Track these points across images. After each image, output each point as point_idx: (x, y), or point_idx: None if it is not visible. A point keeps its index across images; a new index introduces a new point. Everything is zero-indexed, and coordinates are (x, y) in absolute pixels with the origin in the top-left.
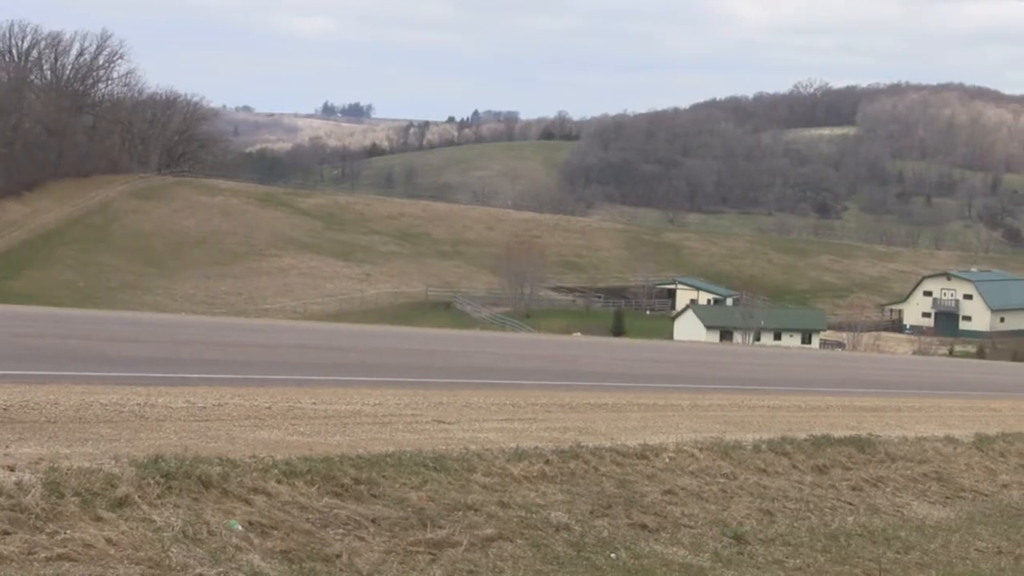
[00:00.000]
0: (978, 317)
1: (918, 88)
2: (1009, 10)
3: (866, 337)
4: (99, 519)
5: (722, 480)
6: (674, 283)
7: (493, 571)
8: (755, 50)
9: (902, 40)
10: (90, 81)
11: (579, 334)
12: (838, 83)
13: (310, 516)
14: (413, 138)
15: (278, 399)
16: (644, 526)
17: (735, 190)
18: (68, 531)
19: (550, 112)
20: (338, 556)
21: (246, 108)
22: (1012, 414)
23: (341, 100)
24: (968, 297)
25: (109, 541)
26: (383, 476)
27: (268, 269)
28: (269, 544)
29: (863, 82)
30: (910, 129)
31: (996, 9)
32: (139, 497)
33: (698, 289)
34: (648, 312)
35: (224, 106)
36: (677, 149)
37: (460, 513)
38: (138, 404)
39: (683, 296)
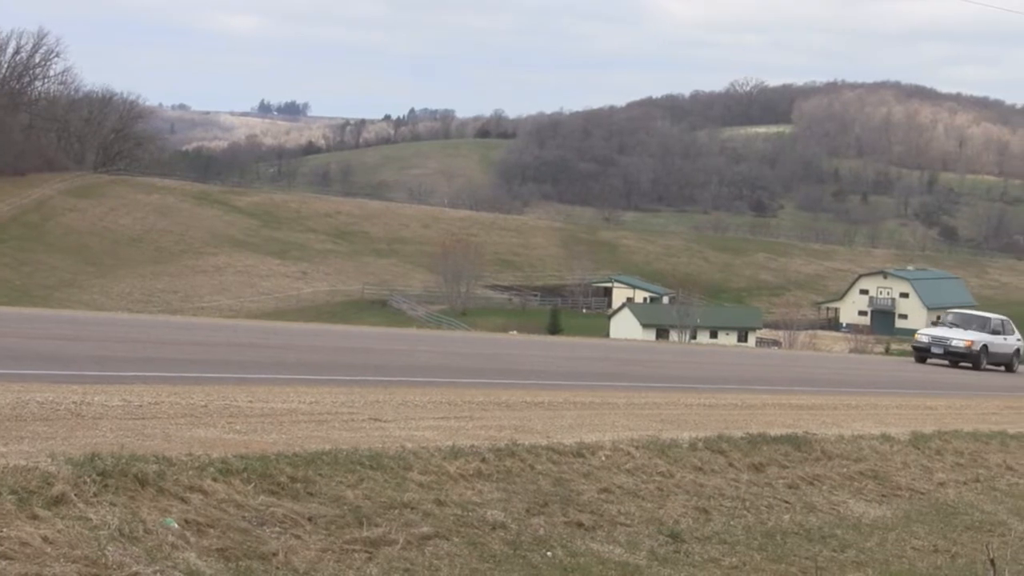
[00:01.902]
0: (914, 315)
1: (854, 86)
2: (944, 8)
3: (802, 335)
4: (35, 517)
5: (658, 478)
6: (610, 281)
7: (429, 569)
8: (690, 48)
9: (837, 38)
10: (26, 79)
11: (515, 332)
12: (774, 81)
13: (246, 514)
14: (349, 136)
15: (214, 397)
16: (580, 524)
17: (671, 188)
18: (4, 529)
19: (486, 110)
20: (274, 554)
21: (182, 106)
22: (948, 412)
23: (277, 98)
24: (904, 295)
25: (45, 539)
26: (319, 474)
27: (204, 267)
28: (205, 542)
29: (799, 80)
30: (846, 127)
31: (931, 7)
32: (75, 495)
33: (634, 287)
34: (584, 310)
35: (160, 104)
36: (613, 147)
37: (396, 511)
38: (74, 402)
39: (619, 294)
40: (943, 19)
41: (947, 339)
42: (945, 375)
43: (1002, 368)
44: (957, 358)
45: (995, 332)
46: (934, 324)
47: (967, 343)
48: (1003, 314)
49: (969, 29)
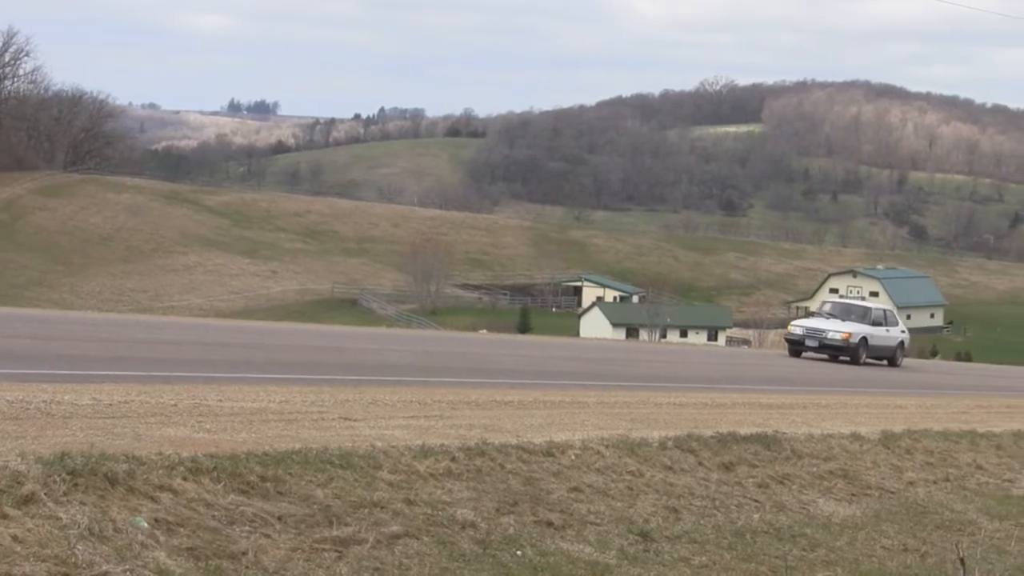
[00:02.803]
0: None
1: (824, 85)
2: (912, 7)
3: (772, 334)
4: (5, 516)
5: (628, 477)
6: (580, 280)
7: (399, 568)
8: (660, 47)
9: (806, 37)
10: None
11: (485, 331)
12: (744, 80)
13: (216, 513)
14: (319, 135)
15: (184, 396)
16: (550, 523)
17: (641, 187)
18: None
19: (456, 109)
20: (244, 553)
21: (152, 105)
22: (918, 411)
23: (247, 97)
24: (874, 294)
25: (15, 538)
26: (289, 473)
27: (174, 266)
28: (175, 541)
29: (769, 79)
30: (816, 126)
31: (899, 6)
32: (45, 494)
33: (604, 286)
34: (554, 309)
35: (130, 103)
36: (583, 146)
37: (366, 510)
38: (44, 401)
39: (589, 293)
40: (912, 18)
41: (823, 331)
42: (913, 375)
43: (884, 362)
44: (834, 351)
45: (876, 323)
46: (810, 315)
47: (844, 335)
48: (974, 313)
49: (938, 28)
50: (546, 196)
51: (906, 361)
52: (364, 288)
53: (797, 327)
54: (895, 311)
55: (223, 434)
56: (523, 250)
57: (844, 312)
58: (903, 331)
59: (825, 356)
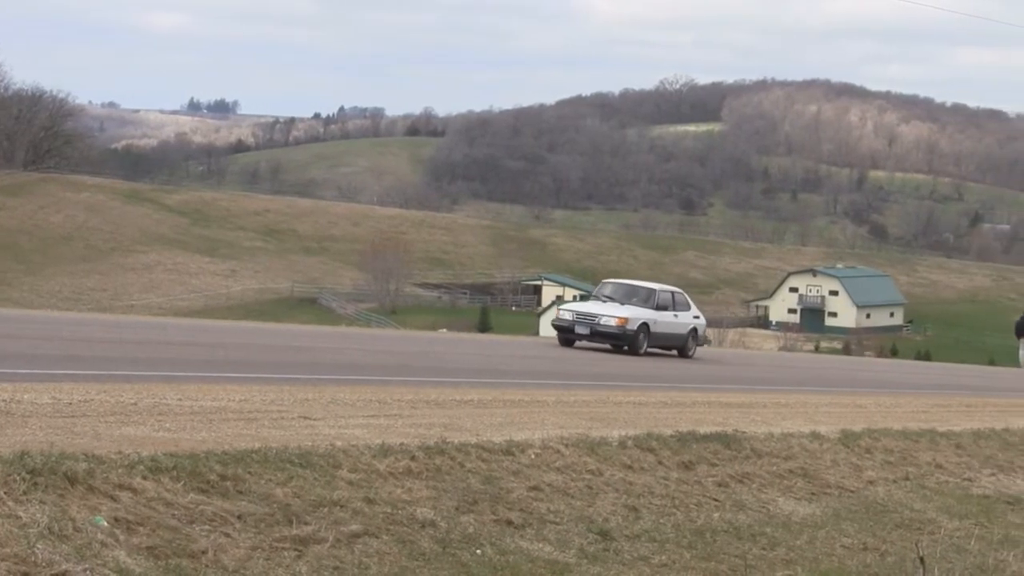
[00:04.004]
0: (844, 313)
1: (783, 84)
2: (869, 6)
3: (731, 333)
4: None
5: (588, 476)
6: (540, 279)
7: (359, 567)
8: (620, 46)
9: (765, 36)
10: None
11: (445, 330)
12: (704, 79)
13: (176, 512)
14: (279, 134)
15: (144, 395)
16: (510, 522)
17: (601, 186)
18: None
19: (416, 108)
20: (204, 552)
21: (112, 104)
22: (877, 410)
23: (206, 96)
24: (834, 293)
25: None
26: (249, 472)
27: (134, 265)
28: (135, 540)
29: (728, 78)
30: (775, 125)
31: (856, 5)
32: (4, 494)
33: (564, 285)
34: (514, 308)
35: (90, 102)
36: (543, 145)
37: (326, 509)
38: (3, 400)
39: (549, 292)
40: (871, 17)
41: (595, 316)
42: (874, 374)
43: (674, 352)
44: (609, 339)
45: (661, 307)
46: (584, 298)
47: (619, 320)
48: (934, 312)
49: (897, 27)
50: (506, 195)
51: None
52: (324, 287)
53: (566, 311)
54: (687, 295)
55: (183, 433)
56: (483, 249)
57: (625, 294)
58: (696, 316)
59: (604, 345)
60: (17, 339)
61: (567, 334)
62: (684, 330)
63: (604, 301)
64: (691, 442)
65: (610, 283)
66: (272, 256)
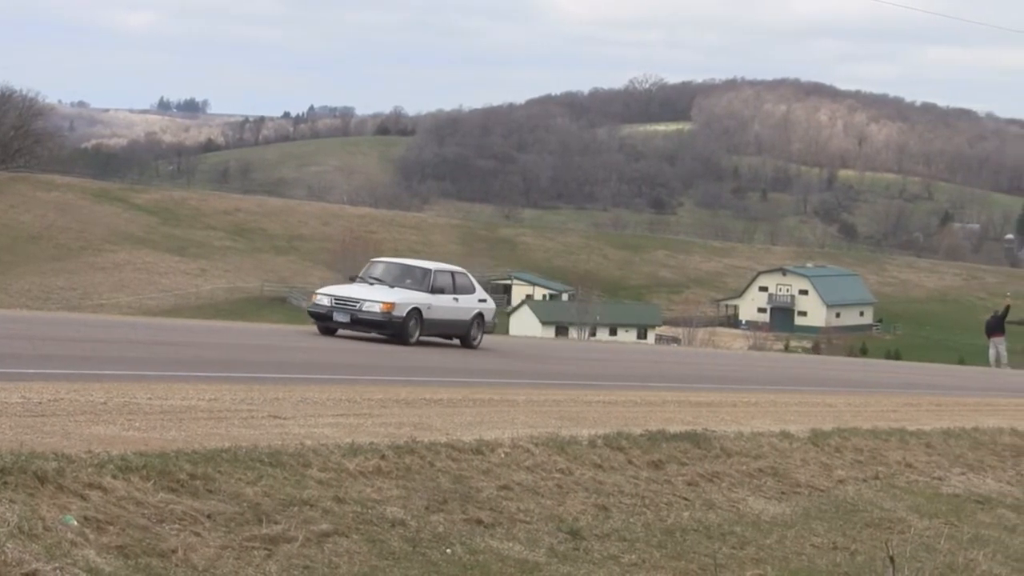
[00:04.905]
0: (813, 312)
1: (753, 83)
2: (839, 5)
3: (701, 332)
4: None
5: (558, 475)
6: (510, 278)
7: (328, 566)
8: (589, 45)
9: (735, 35)
10: None
11: None
12: (673, 79)
13: (146, 511)
14: (248, 133)
15: (114, 394)
16: (480, 521)
17: (570, 185)
18: None
19: (386, 107)
20: (174, 551)
21: (81, 104)
22: (847, 409)
23: (176, 96)
24: (804, 292)
25: None
26: (219, 471)
27: (103, 264)
28: (105, 539)
29: (698, 77)
30: (745, 124)
31: (826, 4)
32: None
33: (534, 284)
34: None
35: (59, 101)
36: (512, 144)
37: (296, 508)
38: None
39: (519, 291)
40: (840, 16)
41: (356, 301)
42: (843, 373)
43: (456, 341)
44: (373, 328)
45: (438, 290)
46: (352, 280)
47: (385, 306)
48: (904, 311)
49: (866, 26)
50: (475, 194)
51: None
52: (294, 286)
53: (324, 295)
54: (471, 276)
55: (153, 432)
56: (452, 248)
57: (397, 276)
58: (483, 300)
59: (374, 334)
60: None
61: (325, 322)
62: (467, 316)
63: (371, 284)
64: (661, 441)
65: (380, 263)
66: (242, 255)
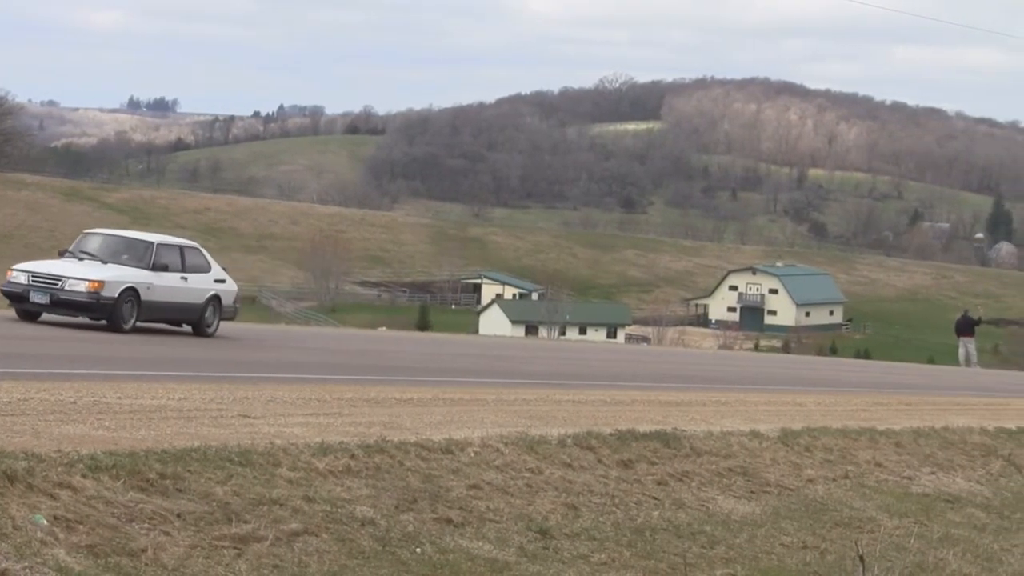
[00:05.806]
0: (783, 312)
1: (723, 82)
2: (807, 3)
3: (671, 332)
4: None
5: (527, 475)
6: (479, 277)
7: (298, 566)
8: (559, 44)
9: (704, 34)
10: None
11: (385, 328)
12: (643, 78)
13: (116, 511)
14: (218, 133)
15: (84, 394)
16: (449, 521)
17: (540, 184)
18: None
19: (356, 106)
20: (144, 550)
21: (51, 103)
22: (817, 408)
23: (146, 94)
24: (774, 292)
25: None
26: (188, 471)
27: None
28: (75, 538)
29: (668, 76)
30: (715, 123)
31: (795, 2)
32: None
33: (503, 283)
34: (453, 306)
35: (29, 100)
36: (482, 143)
37: (265, 507)
38: None
39: (488, 290)
40: (809, 15)
41: (58, 279)
42: (813, 372)
43: (187, 328)
44: (77, 311)
45: (161, 268)
46: (61, 255)
47: (92, 284)
48: (874, 310)
49: (835, 25)
50: (445, 193)
51: (794, 358)
52: (263, 285)
53: (20, 271)
54: (205, 251)
55: (122, 431)
56: (422, 247)
57: (113, 251)
58: (220, 280)
59: (82, 319)
60: None
61: (21, 304)
62: (199, 299)
63: (81, 259)
64: (630, 441)
65: (94, 234)
66: (212, 254)
